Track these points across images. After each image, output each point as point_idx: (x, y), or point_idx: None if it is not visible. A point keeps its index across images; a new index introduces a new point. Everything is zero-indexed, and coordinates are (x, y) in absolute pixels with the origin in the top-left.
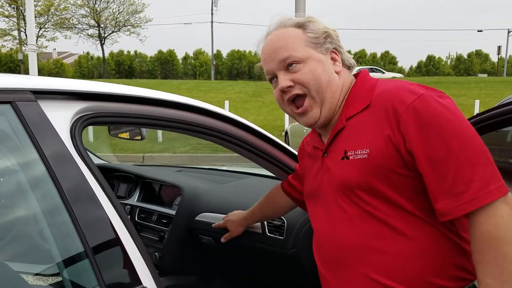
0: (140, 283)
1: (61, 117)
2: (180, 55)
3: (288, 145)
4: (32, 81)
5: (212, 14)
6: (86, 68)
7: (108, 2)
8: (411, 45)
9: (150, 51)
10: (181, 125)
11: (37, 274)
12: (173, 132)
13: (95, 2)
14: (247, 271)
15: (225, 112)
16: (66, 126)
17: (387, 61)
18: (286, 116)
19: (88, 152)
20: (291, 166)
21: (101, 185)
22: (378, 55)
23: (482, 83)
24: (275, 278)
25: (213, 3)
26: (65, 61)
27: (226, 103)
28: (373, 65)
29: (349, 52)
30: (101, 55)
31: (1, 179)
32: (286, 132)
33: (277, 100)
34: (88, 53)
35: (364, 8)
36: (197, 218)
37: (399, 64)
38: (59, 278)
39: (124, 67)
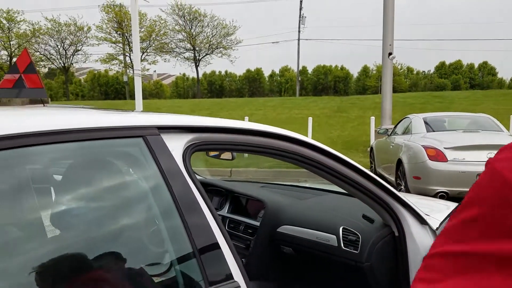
0: (232, 278)
1: (176, 145)
2: (266, 73)
3: (373, 160)
4: (157, 118)
5: (299, 32)
6: (182, 88)
7: (202, 27)
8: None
9: (239, 70)
10: (268, 150)
11: (152, 265)
12: (263, 156)
13: (191, 27)
14: (323, 282)
15: (307, 139)
16: (180, 152)
17: (486, 72)
18: (372, 132)
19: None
20: (362, 183)
21: (203, 197)
22: (476, 66)
23: None
24: None
25: (300, 21)
26: (164, 82)
27: (310, 119)
28: (469, 76)
29: (443, 63)
30: (195, 76)
31: (135, 190)
32: (371, 148)
33: None
34: (184, 75)
35: (461, 17)
36: (278, 229)
37: (499, 75)
38: (173, 273)
39: (215, 87)
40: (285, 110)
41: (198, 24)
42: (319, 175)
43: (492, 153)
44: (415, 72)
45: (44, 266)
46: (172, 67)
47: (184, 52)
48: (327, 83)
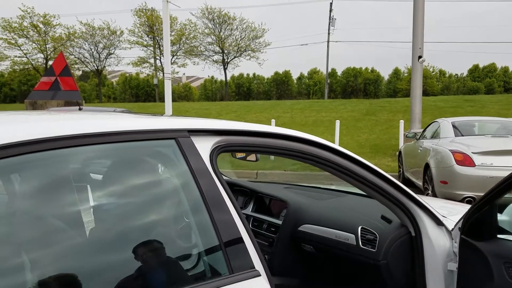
0: (254, 267)
1: (204, 147)
2: (295, 75)
3: (401, 165)
4: (187, 122)
5: (328, 33)
6: (210, 91)
7: (231, 30)
8: None
9: (267, 73)
10: (289, 152)
11: (183, 255)
12: (286, 158)
13: (221, 30)
14: (341, 278)
15: (325, 141)
16: (207, 153)
17: None
18: (401, 136)
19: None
20: (378, 184)
21: (228, 195)
22: (511, 69)
23: None
24: (367, 286)
25: (330, 23)
26: (193, 84)
27: (337, 122)
28: (504, 79)
29: (476, 66)
30: (223, 78)
31: (168, 186)
32: (400, 152)
33: None
34: (212, 77)
35: (495, 20)
36: (300, 228)
37: None
38: (201, 263)
39: (243, 89)
40: (312, 112)
41: (227, 27)
42: (338, 176)
43: None
44: (447, 75)
45: (93, 254)
46: (201, 70)
47: (213, 55)
48: (356, 86)
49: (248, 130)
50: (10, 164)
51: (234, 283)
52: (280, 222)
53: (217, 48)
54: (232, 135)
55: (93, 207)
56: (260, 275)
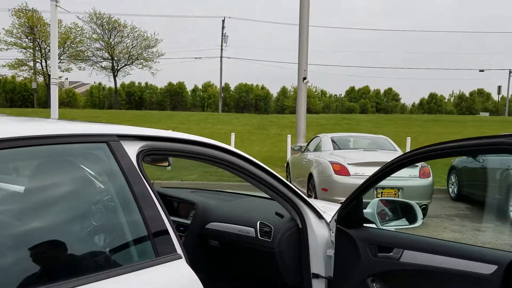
0: (176, 251)
1: (132, 150)
2: (189, 87)
3: (289, 175)
4: (117, 128)
5: (221, 50)
6: (97, 98)
7: (122, 37)
8: (413, 83)
9: (160, 83)
10: (205, 157)
11: (118, 245)
12: (200, 162)
13: (110, 37)
14: (244, 267)
15: (236, 150)
16: (134, 155)
17: (390, 98)
18: (288, 149)
19: None
20: (275, 185)
21: (153, 192)
22: (382, 91)
23: (479, 122)
24: (266, 272)
25: (223, 40)
26: (77, 90)
27: (233, 135)
28: (376, 101)
29: (352, 88)
30: (112, 86)
31: (102, 184)
32: (288, 163)
33: None
34: (100, 84)
35: (368, 47)
36: (207, 226)
37: (402, 101)
38: (134, 249)
39: (134, 98)
40: (208, 125)
41: (118, 34)
42: (244, 178)
43: None
44: (328, 95)
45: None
46: (88, 76)
47: (102, 61)
48: (248, 101)
49: (170, 136)
50: None
51: (160, 264)
52: (189, 222)
53: (106, 55)
54: (156, 140)
55: (34, 203)
56: (182, 258)
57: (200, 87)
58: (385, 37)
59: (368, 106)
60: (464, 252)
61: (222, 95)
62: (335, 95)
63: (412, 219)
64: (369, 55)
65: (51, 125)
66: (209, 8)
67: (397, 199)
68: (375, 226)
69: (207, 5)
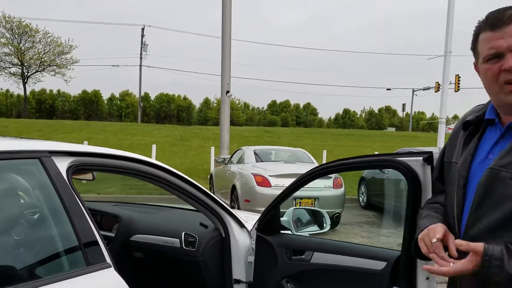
0: (105, 260)
1: (62, 165)
2: (105, 96)
3: (213, 187)
4: (48, 144)
5: (141, 58)
6: (4, 105)
7: (33, 42)
8: (330, 99)
9: (74, 91)
10: (131, 171)
11: (50, 255)
12: (126, 176)
13: (20, 42)
14: (170, 276)
15: (162, 164)
16: (65, 169)
17: (309, 112)
18: (212, 161)
19: None
20: (199, 197)
21: (83, 205)
22: (301, 106)
23: (386, 137)
24: (190, 280)
25: (142, 48)
26: None
27: (154, 146)
28: (296, 114)
29: (274, 102)
30: (21, 93)
31: (34, 198)
32: (211, 175)
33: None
34: (7, 91)
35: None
36: (132, 238)
37: (319, 115)
38: (65, 259)
39: (45, 106)
40: (127, 136)
41: (29, 39)
42: (170, 192)
43: None
44: (251, 107)
45: None
46: None
47: (10, 67)
48: (170, 111)
49: (98, 152)
50: None
51: (92, 272)
52: (113, 234)
53: (16, 60)
54: (85, 156)
55: None
56: (111, 266)
57: (117, 95)
58: (304, 54)
59: (289, 119)
60: (362, 252)
61: (142, 105)
62: (258, 108)
63: (321, 225)
64: (291, 71)
65: None
66: (131, 15)
67: (309, 207)
68: (291, 233)
69: (128, 12)
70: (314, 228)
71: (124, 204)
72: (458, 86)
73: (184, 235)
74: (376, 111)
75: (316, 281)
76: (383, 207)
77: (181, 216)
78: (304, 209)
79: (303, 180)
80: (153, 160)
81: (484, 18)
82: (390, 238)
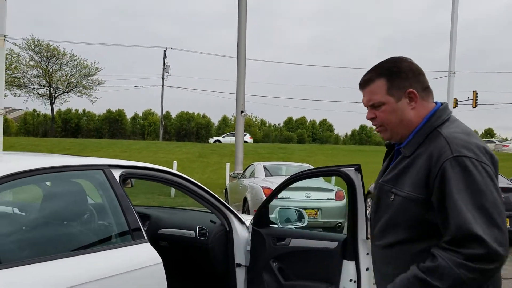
0: (145, 238)
1: (116, 174)
2: (129, 115)
3: (227, 200)
4: (107, 160)
5: (163, 78)
6: (31, 125)
7: (61, 64)
8: (346, 115)
9: (98, 110)
10: (161, 180)
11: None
12: (159, 183)
13: (48, 64)
14: (185, 261)
15: (182, 174)
16: (118, 177)
17: (325, 129)
18: (227, 176)
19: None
20: (211, 201)
21: (130, 202)
22: (317, 122)
23: None
24: (202, 263)
25: (164, 69)
26: (7, 116)
27: (175, 163)
28: (312, 131)
29: (290, 118)
30: (47, 112)
31: (95, 196)
32: (226, 189)
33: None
34: (34, 110)
35: (304, 80)
36: (159, 232)
37: (336, 131)
38: (119, 236)
39: (70, 125)
40: (150, 153)
41: (56, 62)
42: (189, 196)
43: (308, 193)
44: (267, 124)
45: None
46: (23, 102)
47: (39, 88)
48: (190, 129)
49: (137, 165)
50: (41, 179)
51: (135, 245)
52: (145, 229)
53: (44, 82)
54: (129, 168)
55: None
56: (147, 242)
57: (140, 114)
58: (321, 71)
59: (305, 135)
60: (322, 236)
61: (163, 123)
62: (274, 124)
63: (302, 220)
64: (306, 88)
65: (71, 158)
66: (150, 36)
67: (291, 207)
68: (277, 226)
69: (148, 33)
70: (296, 223)
71: (152, 207)
72: (476, 102)
73: (198, 229)
74: None
75: (293, 259)
76: None
77: (195, 215)
78: (289, 208)
79: (283, 185)
80: (177, 172)
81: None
82: None
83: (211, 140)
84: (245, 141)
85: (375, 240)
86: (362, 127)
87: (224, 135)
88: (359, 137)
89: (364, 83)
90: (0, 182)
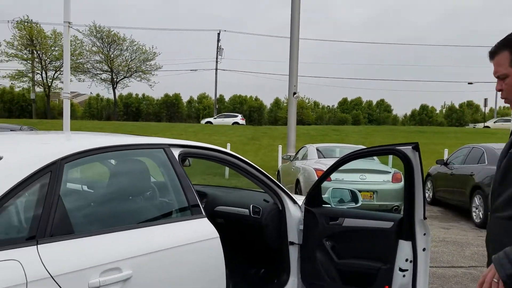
0: (203, 214)
1: (176, 153)
2: (185, 99)
3: (280, 181)
4: (168, 140)
5: (216, 62)
6: (95, 109)
7: (121, 50)
8: (405, 94)
9: (157, 95)
10: (217, 159)
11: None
12: (215, 163)
13: (109, 50)
14: (242, 236)
15: (237, 154)
16: (177, 156)
17: (382, 109)
18: (279, 158)
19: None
20: (263, 180)
21: (189, 180)
22: (374, 103)
23: (461, 134)
24: (256, 239)
25: (218, 53)
26: (74, 100)
27: (228, 145)
28: (368, 112)
29: (345, 99)
30: (110, 97)
31: (157, 173)
32: (278, 171)
33: None
34: (98, 95)
35: (361, 59)
36: (216, 209)
37: (394, 112)
38: (179, 211)
39: (132, 109)
40: (205, 136)
41: (117, 47)
42: (244, 175)
43: (363, 175)
44: (320, 106)
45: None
46: (87, 87)
47: (101, 74)
48: (242, 112)
49: (197, 145)
50: (107, 157)
51: (194, 219)
52: (203, 206)
53: (106, 67)
54: (188, 147)
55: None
56: (205, 217)
57: (195, 98)
58: (377, 49)
59: (360, 117)
60: (377, 216)
61: (217, 107)
62: (328, 106)
63: (356, 201)
64: (362, 67)
65: (134, 138)
66: (204, 18)
67: (345, 187)
68: (330, 206)
69: (201, 15)
70: (349, 204)
71: (209, 186)
72: None
73: (252, 207)
74: (457, 106)
75: (347, 238)
76: (448, 202)
77: (249, 194)
78: (343, 189)
79: (334, 165)
80: (232, 152)
81: None
82: (450, 230)
83: (203, 121)
84: (237, 123)
85: (496, 212)
86: (423, 107)
87: (215, 117)
88: (419, 117)
89: (491, 55)
90: (70, 159)
